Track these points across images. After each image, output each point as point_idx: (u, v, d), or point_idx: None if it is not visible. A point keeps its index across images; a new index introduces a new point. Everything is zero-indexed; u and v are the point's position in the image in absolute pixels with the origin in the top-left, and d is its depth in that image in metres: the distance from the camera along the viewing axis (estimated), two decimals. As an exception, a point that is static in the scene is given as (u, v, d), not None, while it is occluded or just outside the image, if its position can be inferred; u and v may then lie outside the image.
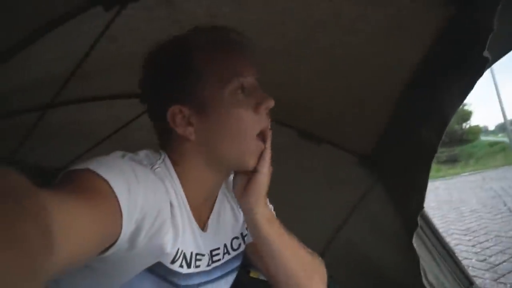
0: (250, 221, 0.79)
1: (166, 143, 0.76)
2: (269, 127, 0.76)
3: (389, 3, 0.92)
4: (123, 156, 0.67)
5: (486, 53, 0.81)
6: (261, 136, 0.74)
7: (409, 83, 1.10)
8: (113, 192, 0.51)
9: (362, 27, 0.98)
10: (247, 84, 0.72)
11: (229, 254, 0.86)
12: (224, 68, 0.71)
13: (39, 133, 1.46)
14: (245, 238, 0.91)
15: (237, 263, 0.90)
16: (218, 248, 0.83)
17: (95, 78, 1.27)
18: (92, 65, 1.15)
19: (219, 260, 0.83)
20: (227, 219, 0.87)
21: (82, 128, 1.59)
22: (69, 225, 0.40)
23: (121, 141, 1.60)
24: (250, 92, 0.72)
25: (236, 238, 0.89)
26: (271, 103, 0.72)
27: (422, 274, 1.39)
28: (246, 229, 0.91)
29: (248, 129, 0.72)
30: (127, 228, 0.53)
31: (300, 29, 1.06)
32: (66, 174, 0.54)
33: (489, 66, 0.87)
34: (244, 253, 0.92)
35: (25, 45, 1.00)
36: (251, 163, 0.75)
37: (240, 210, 0.90)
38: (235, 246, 0.88)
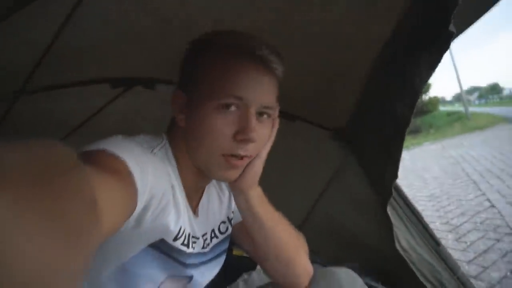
0: (244, 202, 0.81)
1: (171, 125, 0.79)
2: (243, 154, 0.71)
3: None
4: (124, 139, 0.66)
5: (451, 27, 0.85)
6: (228, 157, 0.70)
7: (379, 57, 1.14)
8: (129, 171, 0.53)
9: (333, 6, 1.00)
10: (239, 104, 0.69)
11: (217, 238, 0.89)
12: (224, 84, 0.68)
13: (7, 125, 1.39)
14: (231, 221, 0.94)
15: (225, 246, 0.93)
16: (206, 233, 0.86)
17: (64, 65, 1.21)
18: (59, 52, 1.10)
19: (208, 244, 0.86)
20: (214, 205, 0.90)
21: (53, 118, 1.53)
22: (107, 200, 0.42)
23: (94, 128, 1.56)
24: (239, 113, 0.69)
25: (223, 222, 0.92)
26: (251, 138, 0.68)
27: (396, 240, 1.48)
28: (232, 212, 0.94)
29: (214, 146, 0.69)
30: (139, 206, 0.55)
31: (272, 8, 1.06)
32: (81, 155, 0.53)
33: (453, 39, 0.92)
34: (230, 235, 0.95)
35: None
36: (216, 175, 0.75)
37: (224, 193, 0.93)
38: (222, 230, 0.91)
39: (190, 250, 0.77)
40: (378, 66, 1.17)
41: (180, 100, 0.73)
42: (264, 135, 0.75)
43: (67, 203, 0.27)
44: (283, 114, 1.68)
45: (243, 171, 0.77)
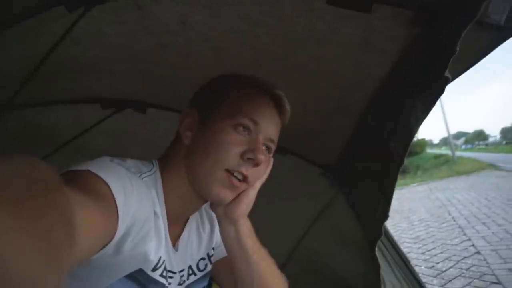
0: (233, 231, 0.80)
1: (169, 147, 0.81)
2: (245, 173, 0.74)
3: (357, 20, 0.95)
4: (111, 161, 0.66)
5: (447, 73, 0.86)
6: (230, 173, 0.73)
7: (375, 96, 1.14)
8: (112, 195, 0.53)
9: (333, 43, 1.01)
10: (252, 129, 0.75)
11: (195, 275, 0.86)
12: (246, 107, 0.75)
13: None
14: (211, 258, 0.92)
15: (203, 284, 0.90)
16: (183, 270, 0.83)
17: (56, 80, 1.19)
18: (53, 67, 1.08)
19: (184, 281, 0.83)
20: (194, 241, 0.88)
21: (40, 133, 1.49)
22: (84, 221, 0.42)
23: (81, 147, 1.52)
24: (249, 138, 0.74)
25: (203, 259, 0.89)
26: (258, 159, 0.73)
27: (381, 283, 1.44)
28: (213, 249, 0.92)
29: (222, 159, 0.72)
30: (119, 232, 0.54)
31: (273, 42, 1.07)
32: (66, 174, 0.54)
33: (448, 84, 0.93)
34: (210, 272, 0.92)
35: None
36: (213, 191, 0.74)
37: (205, 229, 0.90)
38: (201, 267, 0.89)
39: (167, 284, 0.74)
40: (373, 104, 1.18)
41: (190, 118, 0.78)
42: (263, 169, 0.79)
43: (46, 221, 0.29)
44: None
45: (237, 199, 0.78)
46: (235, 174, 0.73)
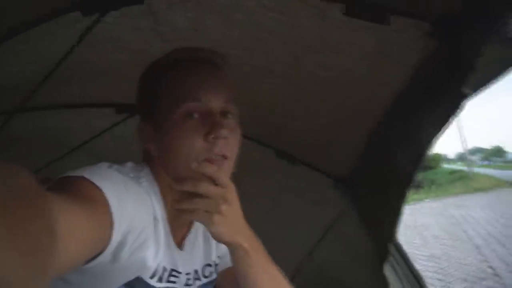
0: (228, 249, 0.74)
1: (146, 157, 0.76)
2: (219, 153, 0.69)
3: (373, 31, 0.93)
4: (110, 167, 0.64)
5: (465, 89, 0.83)
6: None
7: (388, 109, 1.12)
8: (106, 201, 0.52)
9: (347, 52, 1.00)
10: (201, 110, 0.69)
11: (199, 280, 0.84)
12: (180, 92, 0.70)
13: (2, 139, 1.36)
14: (217, 267, 0.89)
15: None
16: (189, 273, 0.80)
17: (69, 85, 1.21)
18: (67, 72, 1.10)
19: (190, 285, 0.80)
20: (201, 243, 0.85)
21: (50, 136, 1.52)
22: (70, 228, 0.41)
23: (92, 151, 1.53)
24: (203, 118, 0.69)
25: (209, 265, 0.87)
26: (221, 134, 0.67)
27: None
28: (218, 257, 0.89)
29: (191, 154, 0.67)
30: (114, 239, 0.53)
31: (285, 50, 1.06)
32: (60, 181, 0.54)
33: (466, 100, 0.89)
34: (215, 280, 0.89)
35: (-6, 45, 0.94)
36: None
37: None
38: (206, 273, 0.86)
39: (163, 284, 0.72)
40: (386, 117, 1.15)
41: (147, 132, 0.73)
42: (234, 136, 0.72)
43: (28, 229, 0.28)
44: (286, 156, 1.67)
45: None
46: (214, 157, 0.68)
